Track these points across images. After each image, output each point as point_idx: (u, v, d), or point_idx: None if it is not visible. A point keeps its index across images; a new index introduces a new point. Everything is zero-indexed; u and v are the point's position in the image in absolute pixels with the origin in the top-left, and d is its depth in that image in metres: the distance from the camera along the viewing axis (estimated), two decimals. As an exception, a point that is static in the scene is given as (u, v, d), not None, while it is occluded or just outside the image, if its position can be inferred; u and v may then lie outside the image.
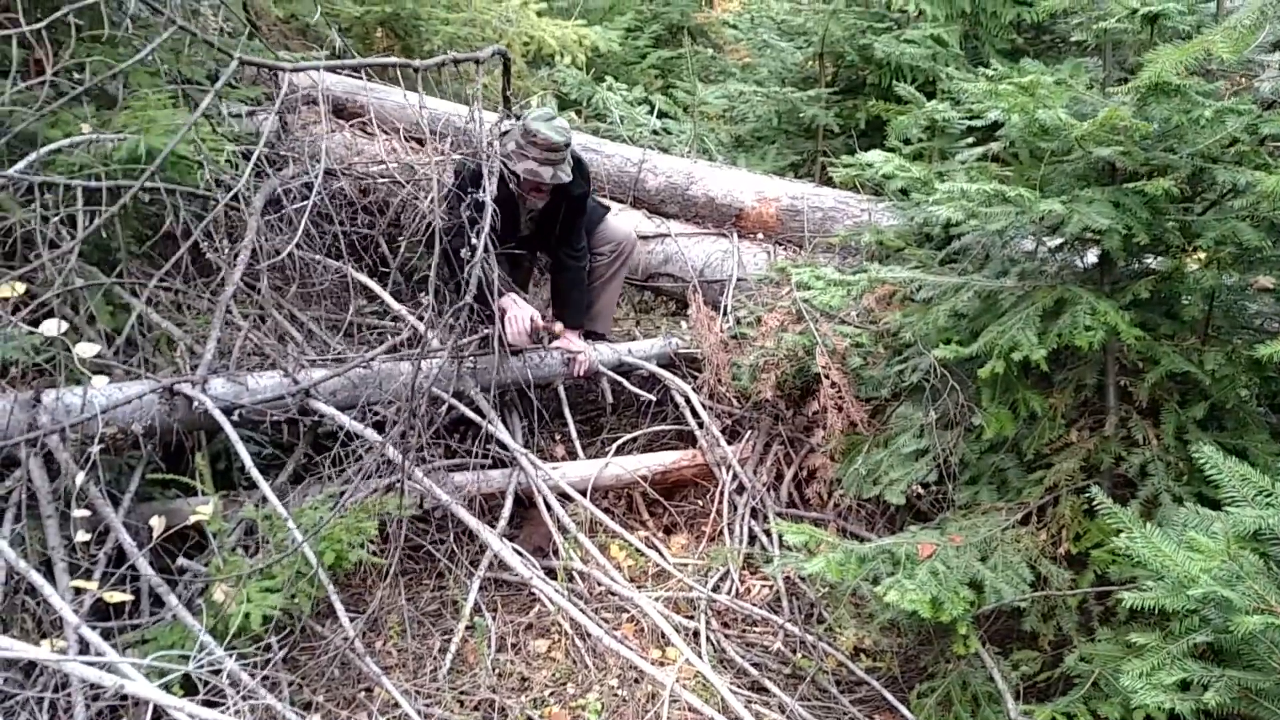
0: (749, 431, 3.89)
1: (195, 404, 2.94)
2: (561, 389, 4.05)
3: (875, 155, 2.85)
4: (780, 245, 4.76)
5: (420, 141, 5.25)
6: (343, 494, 3.11)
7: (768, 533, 3.59)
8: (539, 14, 6.65)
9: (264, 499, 2.91)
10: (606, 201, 4.70)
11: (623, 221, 4.39)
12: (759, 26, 6.22)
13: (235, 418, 2.98)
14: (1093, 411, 2.66)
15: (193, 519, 2.74)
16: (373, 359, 3.26)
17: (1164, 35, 2.41)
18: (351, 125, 5.21)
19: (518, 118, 4.15)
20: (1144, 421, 2.57)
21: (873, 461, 3.05)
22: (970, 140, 3.68)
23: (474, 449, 3.60)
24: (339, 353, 3.68)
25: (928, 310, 2.78)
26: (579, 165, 3.91)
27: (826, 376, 3.37)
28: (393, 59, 3.99)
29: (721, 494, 3.71)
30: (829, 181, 5.54)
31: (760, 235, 4.82)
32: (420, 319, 3.47)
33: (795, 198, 4.79)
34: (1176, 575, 1.84)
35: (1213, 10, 2.48)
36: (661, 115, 5.99)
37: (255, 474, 2.74)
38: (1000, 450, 2.82)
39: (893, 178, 2.83)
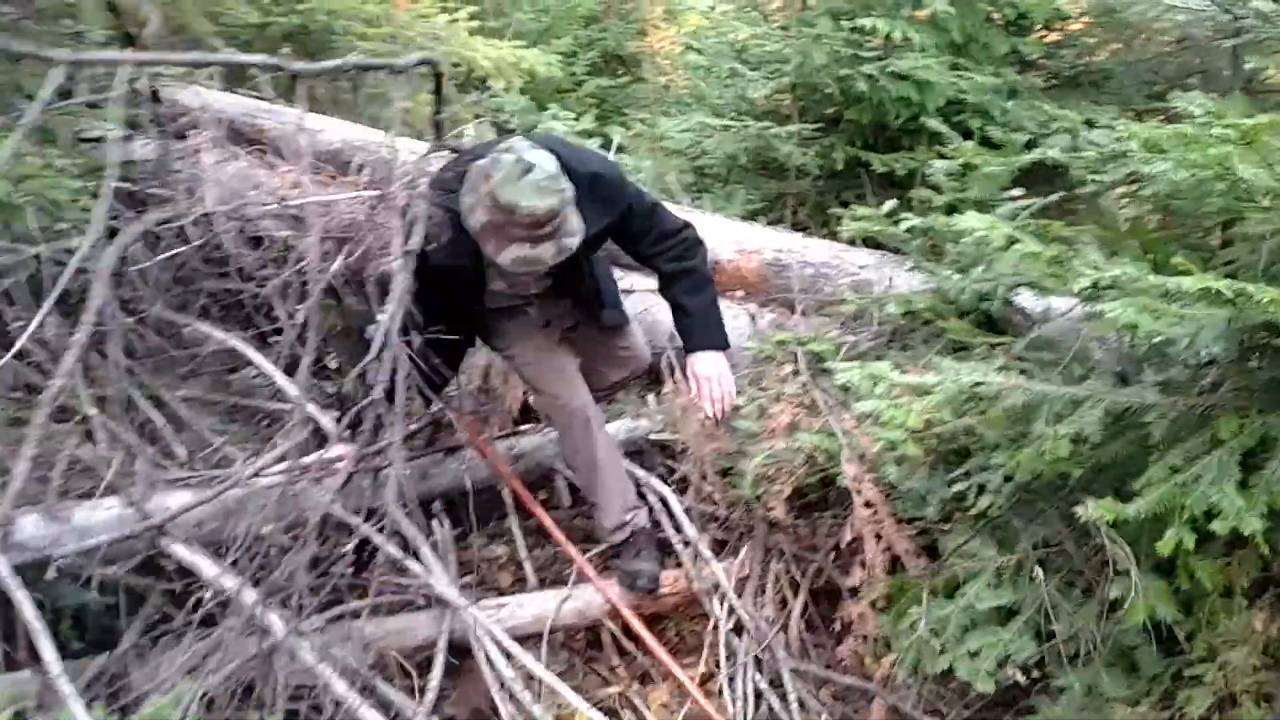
0: (744, 545, 3.11)
1: (-10, 556, 2.03)
2: (507, 493, 3.22)
3: (973, 219, 2.08)
4: (764, 306, 4.03)
5: (331, 178, 4.42)
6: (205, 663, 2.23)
7: (775, 685, 2.81)
8: (471, 33, 5.90)
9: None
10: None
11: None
12: (719, 55, 5.55)
13: (54, 572, 2.09)
14: (1275, 586, 1.93)
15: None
16: (253, 476, 2.38)
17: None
18: (250, 153, 4.36)
19: (453, 150, 3.31)
20: (1351, 604, 1.87)
21: (936, 619, 2.26)
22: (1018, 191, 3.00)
23: (395, 581, 2.77)
24: (217, 451, 2.81)
25: (1027, 426, 2.02)
26: (594, 183, 2.62)
27: (858, 492, 2.59)
28: (261, 58, 3.07)
29: (715, 630, 2.92)
30: (798, 227, 4.89)
31: (740, 293, 4.07)
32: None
33: (780, 250, 4.06)
34: None
35: None
36: (619, 150, 5.24)
37: (62, 684, 1.83)
38: (1127, 618, 2.07)
39: (1002, 249, 2.06)
